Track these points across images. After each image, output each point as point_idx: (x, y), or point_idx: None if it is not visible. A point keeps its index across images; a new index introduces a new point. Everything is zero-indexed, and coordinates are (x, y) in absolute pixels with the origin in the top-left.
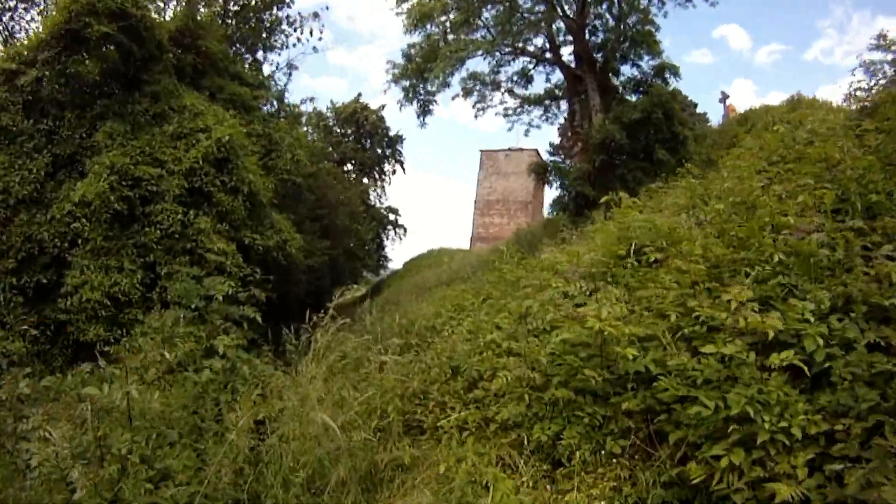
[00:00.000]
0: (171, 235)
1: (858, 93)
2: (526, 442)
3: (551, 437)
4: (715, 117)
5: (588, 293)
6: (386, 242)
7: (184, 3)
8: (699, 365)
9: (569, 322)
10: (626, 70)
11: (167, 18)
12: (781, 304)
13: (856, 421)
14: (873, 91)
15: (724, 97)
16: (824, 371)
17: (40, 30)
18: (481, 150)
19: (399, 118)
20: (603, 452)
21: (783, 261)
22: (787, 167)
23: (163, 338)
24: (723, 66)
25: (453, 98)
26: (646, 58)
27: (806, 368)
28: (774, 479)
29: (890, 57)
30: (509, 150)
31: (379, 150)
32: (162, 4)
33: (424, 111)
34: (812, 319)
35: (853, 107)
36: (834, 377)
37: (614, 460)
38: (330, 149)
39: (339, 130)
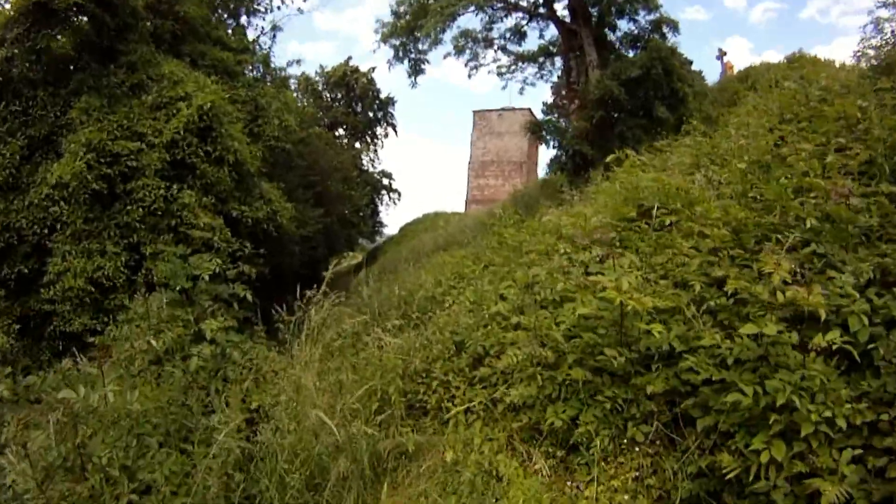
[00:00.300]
0: (155, 212)
1: (869, 50)
2: (538, 426)
3: (566, 421)
4: (710, 75)
5: (599, 260)
6: (381, 208)
7: None
8: (730, 343)
9: (581, 292)
10: (623, 25)
11: None
12: (818, 276)
13: None
14: (884, 49)
15: (722, 54)
16: (865, 352)
17: (7, 7)
18: (474, 111)
19: (390, 81)
20: (624, 439)
21: (815, 227)
22: (800, 126)
23: (149, 324)
24: (717, 23)
25: (445, 57)
26: (642, 13)
27: (854, 351)
28: (816, 474)
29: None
30: (502, 109)
31: (370, 114)
32: None
33: (416, 70)
34: (854, 294)
35: (862, 64)
36: (877, 360)
37: (636, 448)
38: (320, 114)
39: (328, 95)
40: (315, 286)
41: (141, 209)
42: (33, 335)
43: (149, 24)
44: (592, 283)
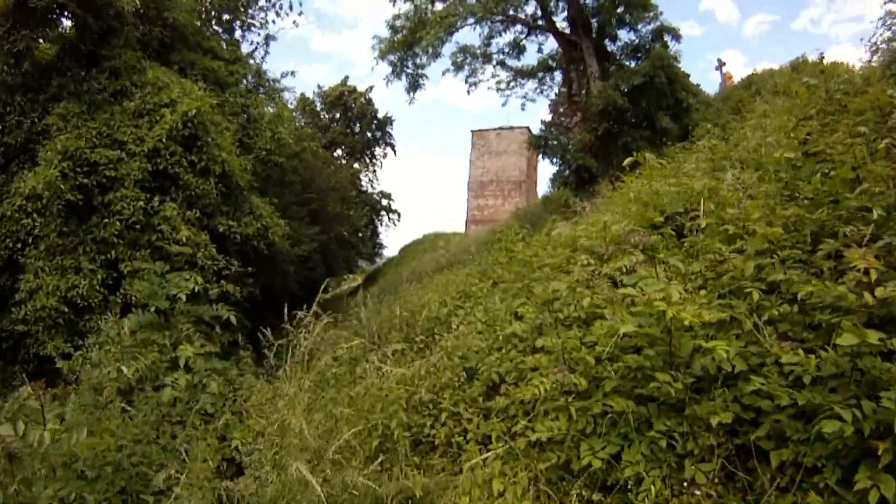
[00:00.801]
0: (134, 227)
1: (883, 46)
2: (569, 465)
3: (605, 460)
4: (707, 87)
5: (629, 270)
6: (380, 229)
7: None
8: (810, 359)
9: (612, 307)
10: (624, 35)
11: None
12: None
13: None
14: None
15: (721, 64)
16: None
17: None
18: (472, 131)
19: (388, 100)
20: (682, 480)
21: (880, 218)
22: (824, 121)
23: (121, 349)
24: (711, 38)
25: (444, 73)
26: (640, 24)
27: None
28: None
29: None
30: (501, 128)
31: (368, 134)
32: None
33: (414, 86)
34: None
35: (874, 60)
36: None
37: (697, 491)
38: (318, 134)
39: (326, 115)
40: (306, 307)
41: (119, 223)
42: (5, 357)
43: (135, 29)
44: (626, 296)
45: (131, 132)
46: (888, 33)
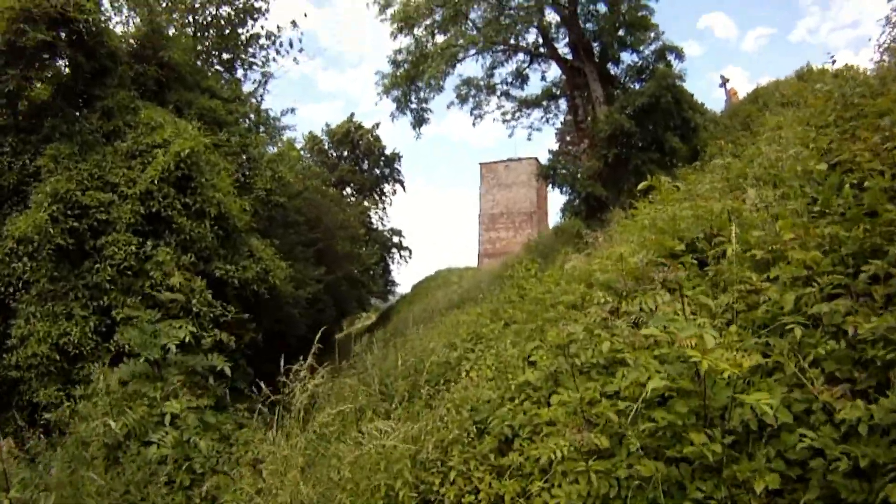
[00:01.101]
0: (126, 272)
1: (891, 44)
2: None
3: None
4: (712, 105)
5: (649, 309)
6: (392, 266)
7: (143, 12)
8: (862, 409)
9: (636, 353)
10: (626, 57)
11: (130, 30)
12: None
13: None
14: None
15: (724, 81)
16: None
17: None
18: (480, 163)
19: (395, 136)
20: None
21: None
22: (844, 128)
23: (110, 401)
24: (711, 55)
25: (448, 106)
26: (642, 45)
27: None
28: None
29: None
30: (509, 160)
31: (377, 171)
32: (117, 17)
33: (419, 121)
34: None
35: (885, 60)
36: None
37: None
38: (326, 172)
39: (334, 153)
40: (317, 350)
41: (111, 268)
42: (1, 402)
43: (130, 68)
44: (649, 337)
45: (123, 174)
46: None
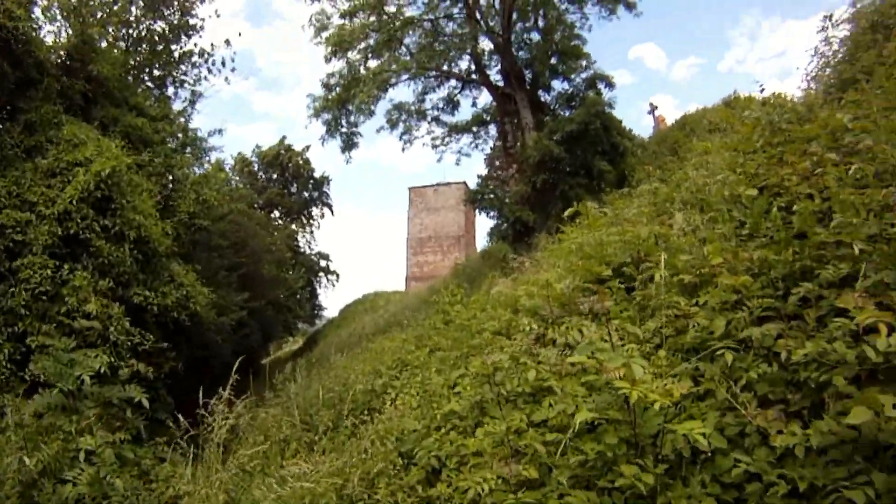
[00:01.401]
0: (41, 297)
1: (818, 73)
2: None
3: None
4: (641, 132)
5: (577, 337)
6: (319, 290)
7: (76, 23)
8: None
9: (562, 382)
10: (557, 85)
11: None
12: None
13: None
14: (837, 66)
15: (653, 108)
16: None
17: None
18: (409, 188)
19: (324, 161)
20: None
21: (865, 252)
22: (771, 153)
23: (24, 436)
24: (642, 84)
25: (378, 130)
26: (573, 74)
27: None
28: None
29: (842, 34)
30: (437, 185)
31: (306, 194)
32: (48, 26)
33: (349, 145)
34: None
35: (813, 86)
36: None
37: None
38: (255, 195)
39: (264, 175)
40: (235, 382)
41: (26, 292)
42: None
43: (57, 82)
44: (576, 364)
45: (42, 192)
46: (823, 60)
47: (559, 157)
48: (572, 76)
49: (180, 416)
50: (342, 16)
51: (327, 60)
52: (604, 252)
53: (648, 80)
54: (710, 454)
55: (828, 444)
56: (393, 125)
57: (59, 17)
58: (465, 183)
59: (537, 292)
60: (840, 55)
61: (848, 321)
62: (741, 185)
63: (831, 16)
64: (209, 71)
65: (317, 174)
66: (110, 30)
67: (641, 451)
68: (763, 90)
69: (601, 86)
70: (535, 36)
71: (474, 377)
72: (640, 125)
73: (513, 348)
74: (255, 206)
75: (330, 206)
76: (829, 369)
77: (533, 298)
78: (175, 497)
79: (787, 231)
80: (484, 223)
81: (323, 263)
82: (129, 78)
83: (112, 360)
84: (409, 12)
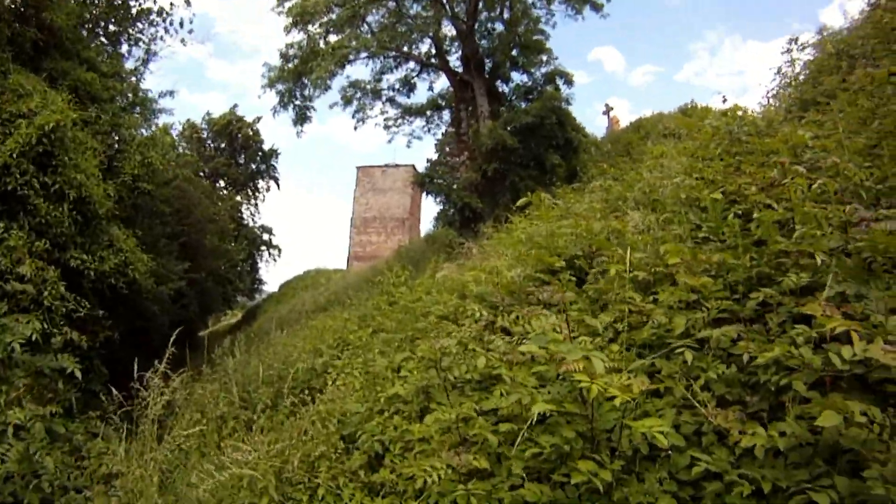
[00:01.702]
0: None
1: (779, 91)
2: None
3: None
4: (594, 132)
5: (526, 326)
6: (260, 264)
7: None
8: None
9: (513, 371)
10: (517, 77)
11: None
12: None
13: None
14: (790, 90)
15: (608, 109)
16: None
17: None
18: (358, 167)
19: (275, 135)
20: None
21: (826, 264)
22: (729, 162)
23: None
24: (599, 86)
25: (331, 106)
26: (534, 67)
27: None
28: None
29: (806, 58)
30: (386, 166)
31: (253, 166)
32: None
33: (302, 118)
34: None
35: (772, 105)
36: None
37: None
38: (201, 163)
39: (212, 144)
40: (172, 356)
41: None
42: None
43: (8, 28)
44: (527, 355)
45: None
46: (785, 80)
47: (512, 147)
48: (532, 70)
49: (114, 389)
50: None
51: (287, 31)
52: (555, 244)
53: (606, 82)
54: (667, 452)
55: (788, 446)
56: (347, 102)
57: None
58: (413, 166)
59: (486, 279)
60: (803, 76)
61: (808, 328)
62: (698, 189)
63: (797, 39)
64: (166, 31)
65: (266, 146)
66: None
67: (597, 447)
68: (725, 101)
69: (560, 82)
70: (499, 26)
71: (420, 361)
72: (594, 125)
73: (461, 334)
74: (201, 174)
75: (276, 180)
76: (789, 373)
77: (481, 285)
78: (108, 476)
79: (744, 237)
80: (430, 208)
81: (266, 237)
82: (84, 31)
83: (45, 326)
84: None
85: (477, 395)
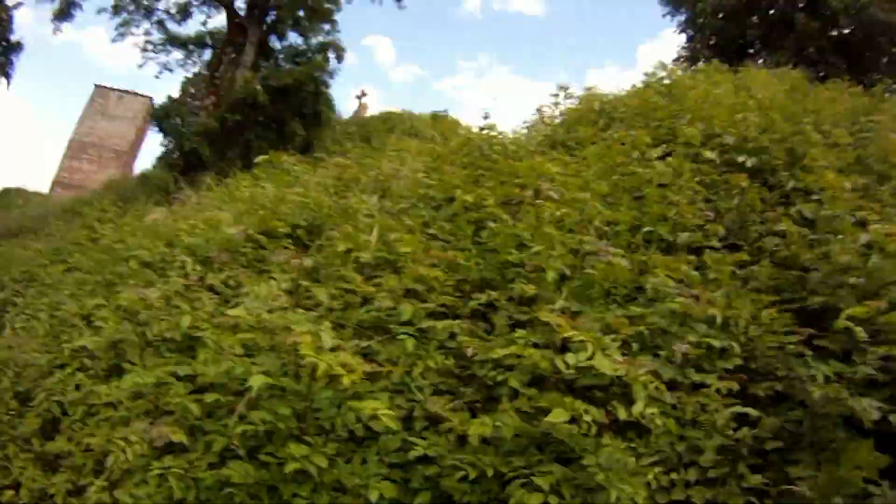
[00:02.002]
0: None
1: (534, 125)
2: None
3: None
4: (342, 111)
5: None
6: None
7: None
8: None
9: (219, 335)
10: (293, 37)
11: None
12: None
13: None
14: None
15: (362, 94)
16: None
17: None
18: (96, 84)
19: (31, 28)
20: None
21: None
22: (471, 172)
23: None
24: (360, 71)
25: (99, 12)
26: (312, 33)
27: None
28: None
29: (568, 105)
30: (125, 91)
31: None
32: None
33: (63, 13)
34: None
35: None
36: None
37: None
38: None
39: None
40: None
41: None
42: None
43: None
44: (236, 318)
45: None
46: (542, 118)
47: (262, 104)
48: (310, 35)
49: None
50: None
51: None
52: (278, 209)
53: (370, 69)
54: (377, 434)
55: (509, 435)
56: (116, 12)
57: None
58: (151, 99)
59: (202, 232)
60: (559, 120)
61: (530, 332)
62: (434, 189)
63: (567, 87)
64: None
65: (14, 38)
66: None
67: (314, 427)
68: (487, 117)
69: (331, 55)
70: None
71: (116, 310)
72: (343, 105)
73: (167, 287)
74: None
75: (9, 78)
76: (506, 370)
77: (196, 237)
78: None
79: (475, 244)
80: (154, 148)
81: None
82: None
83: None
84: None
85: (175, 357)
